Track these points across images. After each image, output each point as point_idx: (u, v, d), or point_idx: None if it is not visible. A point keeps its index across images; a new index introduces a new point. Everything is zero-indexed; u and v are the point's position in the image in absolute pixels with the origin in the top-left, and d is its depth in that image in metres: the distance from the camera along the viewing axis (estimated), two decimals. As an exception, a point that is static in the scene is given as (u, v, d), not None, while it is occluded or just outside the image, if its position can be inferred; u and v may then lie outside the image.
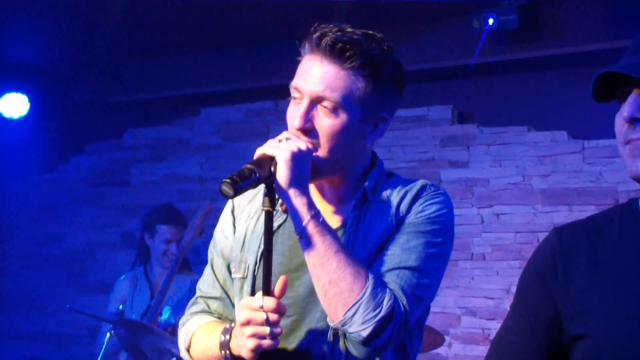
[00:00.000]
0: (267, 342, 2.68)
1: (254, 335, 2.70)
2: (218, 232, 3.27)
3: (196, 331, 3.12)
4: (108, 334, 6.22)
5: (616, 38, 6.93)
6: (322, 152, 2.91)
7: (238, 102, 8.44)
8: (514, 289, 6.93)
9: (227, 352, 2.88)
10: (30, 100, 8.85)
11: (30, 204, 9.63)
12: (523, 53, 7.38)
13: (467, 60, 7.44)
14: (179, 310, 6.74)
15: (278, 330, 2.68)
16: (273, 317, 2.67)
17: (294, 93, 2.93)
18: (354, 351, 2.82)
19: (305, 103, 2.87)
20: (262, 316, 2.67)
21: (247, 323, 2.71)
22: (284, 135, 2.87)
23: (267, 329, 2.67)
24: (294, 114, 2.89)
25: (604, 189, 7.05)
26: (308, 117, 2.87)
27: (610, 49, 6.87)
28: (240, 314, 2.75)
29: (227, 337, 2.89)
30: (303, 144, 2.82)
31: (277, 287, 2.74)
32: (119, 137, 9.33)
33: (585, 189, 7.15)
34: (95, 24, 7.72)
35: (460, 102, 7.89)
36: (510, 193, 7.49)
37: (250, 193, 3.10)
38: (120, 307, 6.59)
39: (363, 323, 2.72)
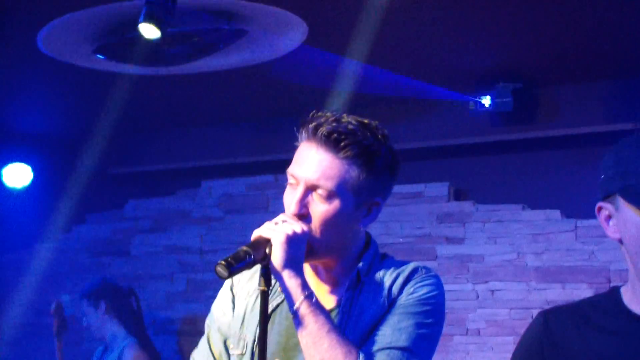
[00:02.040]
0: None
1: None
2: (216, 309, 3.30)
3: None
4: None
5: (609, 122, 7.11)
6: (316, 235, 2.93)
7: (239, 175, 8.52)
8: (507, 364, 7.09)
9: None
10: (33, 170, 8.91)
11: (31, 272, 9.52)
12: (518, 134, 7.52)
13: (463, 139, 7.67)
14: None
15: None
16: None
17: (290, 179, 2.98)
18: None
19: (300, 190, 2.93)
20: None
21: None
22: (280, 217, 2.92)
23: None
24: (290, 199, 2.95)
25: (596, 267, 7.11)
26: (303, 203, 2.92)
27: (604, 132, 7.07)
28: None
29: None
30: (298, 227, 2.86)
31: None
32: (120, 208, 9.41)
33: (578, 267, 7.23)
34: (100, 98, 7.78)
35: (457, 180, 7.98)
36: (505, 270, 7.58)
37: (250, 272, 3.14)
38: None
39: None
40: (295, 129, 3.04)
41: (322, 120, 2.96)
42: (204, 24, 6.36)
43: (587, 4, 5.87)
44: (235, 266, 2.72)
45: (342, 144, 2.90)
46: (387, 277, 3.06)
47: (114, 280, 7.75)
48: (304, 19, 6.15)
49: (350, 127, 2.94)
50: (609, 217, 2.63)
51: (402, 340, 2.91)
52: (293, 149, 3.09)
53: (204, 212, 8.94)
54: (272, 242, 2.82)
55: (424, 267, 3.11)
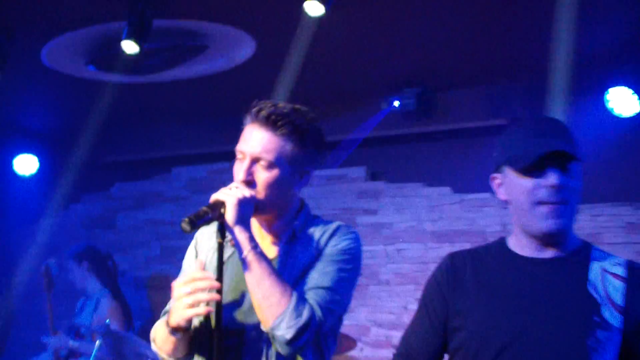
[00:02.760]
0: (189, 312, 2.81)
1: (181, 306, 2.80)
2: (185, 263, 3.31)
3: (158, 324, 3.11)
4: (98, 342, 6.17)
5: (488, 118, 7.21)
6: (261, 197, 2.96)
7: (202, 163, 8.52)
8: (410, 307, 7.35)
9: (168, 326, 2.92)
10: (39, 160, 8.99)
11: (37, 242, 9.40)
12: (419, 128, 7.58)
13: (377, 133, 7.68)
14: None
15: (216, 296, 2.77)
16: (201, 285, 2.79)
17: (238, 154, 3.03)
18: (280, 349, 2.88)
19: (247, 162, 2.97)
20: (190, 287, 2.79)
21: (177, 295, 2.82)
22: (233, 185, 2.95)
23: (197, 296, 2.78)
24: (239, 169, 2.99)
25: (475, 230, 7.25)
26: (249, 172, 2.96)
27: (484, 126, 7.22)
28: (174, 290, 2.85)
29: (166, 313, 3.00)
30: (247, 192, 2.90)
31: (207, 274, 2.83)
32: (108, 190, 9.35)
33: (463, 230, 7.37)
34: (91, 101, 7.74)
35: (372, 165, 8.00)
36: (408, 234, 7.66)
37: (209, 232, 3.20)
38: (107, 321, 6.73)
39: (287, 328, 2.80)
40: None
41: (263, 105, 3.02)
42: (174, 41, 6.41)
43: (469, 28, 6.06)
44: (197, 222, 2.77)
45: (279, 123, 2.98)
46: (316, 232, 3.12)
47: (95, 245, 7.76)
48: (252, 35, 6.25)
49: (285, 110, 3.03)
50: (499, 185, 2.85)
51: (327, 282, 2.97)
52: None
53: (174, 192, 8.90)
54: (226, 203, 2.86)
55: (346, 226, 3.19)
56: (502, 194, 2.83)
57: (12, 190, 9.41)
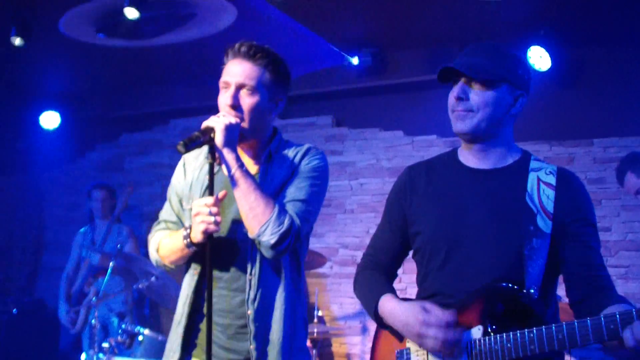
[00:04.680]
0: (212, 227, 2.78)
1: (202, 222, 2.78)
2: (174, 179, 3.26)
3: (163, 237, 3.13)
4: (111, 262, 6.14)
5: (432, 73, 7.27)
6: (245, 124, 2.95)
7: (195, 115, 8.32)
8: (371, 231, 7.43)
9: (188, 240, 2.90)
10: (61, 116, 8.99)
11: (60, 182, 9.67)
12: (375, 82, 7.57)
13: (341, 86, 7.70)
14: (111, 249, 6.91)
15: (218, 219, 2.78)
16: (213, 209, 2.78)
17: (223, 85, 2.99)
18: (265, 253, 2.89)
19: (232, 88, 2.95)
20: (207, 209, 2.78)
21: (197, 214, 2.81)
22: (221, 113, 2.93)
23: (211, 218, 2.77)
24: (226, 97, 2.96)
25: None
26: (236, 97, 2.94)
27: (429, 80, 7.17)
28: (193, 210, 2.84)
29: (188, 231, 2.91)
30: (233, 119, 2.88)
31: (219, 194, 2.85)
32: (117, 139, 9.38)
33: None
34: (101, 65, 7.87)
35: (337, 113, 8.02)
36: (368, 171, 7.70)
37: (195, 153, 3.15)
38: (119, 246, 6.79)
39: (271, 234, 2.82)
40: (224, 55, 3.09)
41: (242, 42, 3.02)
42: (167, 9, 6.39)
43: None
44: (190, 145, 2.76)
45: (257, 55, 2.98)
46: (290, 153, 3.13)
47: (111, 184, 7.74)
48: (233, 3, 6.26)
49: (261, 45, 3.03)
50: None
51: (302, 195, 3.00)
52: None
53: (171, 140, 8.80)
54: (215, 129, 2.84)
55: (315, 147, 3.20)
56: None
57: (39, 142, 9.44)
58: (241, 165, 2.89)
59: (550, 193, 2.63)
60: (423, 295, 2.79)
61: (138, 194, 9.01)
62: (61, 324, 7.37)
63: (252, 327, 2.95)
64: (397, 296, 2.77)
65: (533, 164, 2.74)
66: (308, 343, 6.22)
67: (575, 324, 2.28)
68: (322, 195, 3.14)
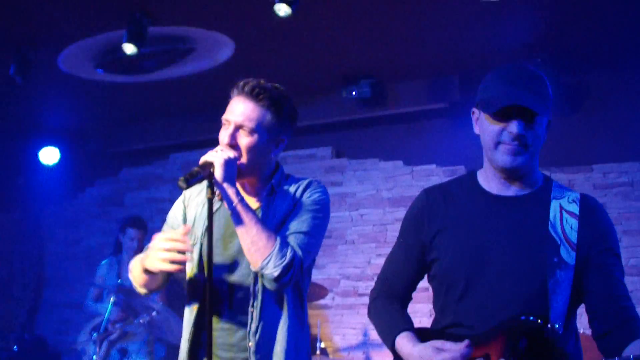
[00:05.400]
0: (166, 266, 2.76)
1: (159, 259, 2.75)
2: (171, 213, 3.27)
3: (134, 261, 3.08)
4: (112, 297, 6.19)
5: (432, 103, 7.27)
6: (243, 160, 2.94)
7: (195, 149, 8.42)
8: (372, 261, 7.38)
9: (142, 264, 2.89)
10: (60, 151, 8.98)
11: (60, 218, 9.66)
12: (374, 113, 7.58)
13: (340, 117, 7.72)
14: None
15: (185, 256, 2.77)
16: (176, 241, 2.74)
17: (224, 122, 2.99)
18: (268, 286, 2.90)
19: (231, 128, 2.94)
20: (168, 244, 2.73)
21: (156, 247, 2.78)
22: (218, 148, 2.92)
23: (171, 245, 2.73)
24: (224, 135, 2.95)
25: None
26: (234, 136, 2.94)
27: (428, 109, 7.32)
28: (154, 243, 2.79)
29: (144, 255, 2.91)
30: (232, 153, 2.88)
31: (184, 229, 2.81)
32: (117, 175, 9.38)
33: (414, 196, 7.12)
34: (101, 100, 7.91)
35: (337, 144, 8.05)
36: (368, 201, 7.71)
37: (197, 190, 3.16)
38: (120, 280, 6.62)
39: (274, 267, 2.83)
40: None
41: (247, 81, 3.00)
42: (166, 45, 6.44)
43: (414, 30, 6.13)
44: (191, 181, 2.76)
45: (260, 96, 2.96)
46: (292, 187, 3.12)
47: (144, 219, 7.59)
48: (231, 38, 6.30)
49: (266, 85, 2.99)
50: (477, 119, 2.70)
51: (304, 227, 2.99)
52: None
53: (172, 174, 8.79)
54: (215, 163, 2.84)
55: (316, 181, 3.19)
56: (476, 129, 2.72)
57: (38, 178, 9.46)
58: (241, 199, 2.90)
59: (574, 223, 2.57)
60: (442, 324, 2.73)
61: (138, 228, 9.00)
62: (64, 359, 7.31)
63: (253, 359, 2.94)
64: (413, 331, 2.71)
65: (555, 192, 2.67)
66: (311, 376, 6.20)
67: None
68: (323, 228, 3.13)
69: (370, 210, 7.70)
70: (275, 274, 2.84)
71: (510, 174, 2.64)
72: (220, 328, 3.02)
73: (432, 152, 7.37)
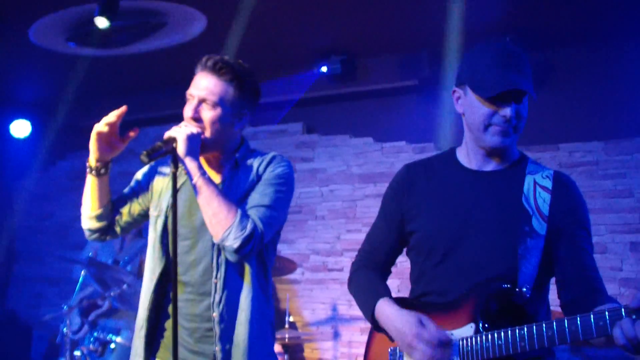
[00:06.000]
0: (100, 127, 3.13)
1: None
2: (137, 176, 3.48)
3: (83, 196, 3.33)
4: (83, 271, 6.25)
5: (401, 80, 7.29)
6: (207, 134, 3.02)
7: (166, 123, 8.23)
8: (342, 237, 7.43)
9: (88, 166, 3.27)
10: (32, 124, 8.96)
11: (31, 192, 9.60)
12: (344, 89, 7.60)
13: (311, 94, 7.69)
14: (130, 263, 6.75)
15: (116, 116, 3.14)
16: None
17: (188, 97, 3.07)
18: (229, 257, 2.98)
19: (195, 101, 3.03)
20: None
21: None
22: (182, 123, 3.02)
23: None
24: (188, 109, 3.05)
25: (394, 172, 6.95)
26: (197, 110, 3.02)
27: (398, 87, 7.35)
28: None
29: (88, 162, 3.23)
30: (195, 128, 2.96)
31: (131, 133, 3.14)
32: (88, 148, 9.37)
33: (384, 172, 7.40)
34: (72, 73, 7.79)
35: (308, 120, 8.05)
36: (339, 177, 7.72)
37: (167, 164, 3.20)
38: (90, 254, 6.71)
39: (234, 239, 2.89)
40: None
41: (210, 56, 3.08)
42: (138, 18, 6.43)
43: (383, 6, 6.15)
44: (152, 155, 2.88)
45: (223, 70, 3.04)
46: (255, 161, 3.18)
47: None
48: (203, 12, 6.30)
49: (229, 61, 3.08)
50: (458, 98, 2.74)
51: (266, 201, 3.06)
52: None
53: (143, 148, 8.50)
54: (177, 138, 2.93)
55: (280, 155, 3.24)
56: (459, 107, 2.76)
57: (9, 151, 9.40)
58: (203, 173, 2.97)
59: (546, 196, 2.65)
60: (417, 292, 2.82)
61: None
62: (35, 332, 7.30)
63: (217, 329, 3.03)
64: (392, 299, 2.79)
65: (530, 167, 2.75)
66: (279, 348, 6.26)
67: (565, 321, 2.29)
68: (287, 202, 3.19)
69: (341, 186, 7.73)
70: (235, 245, 2.91)
71: (494, 153, 2.72)
72: (184, 299, 3.10)
73: (401, 128, 7.41)
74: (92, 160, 3.19)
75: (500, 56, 2.61)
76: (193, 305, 3.10)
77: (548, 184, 2.69)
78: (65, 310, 5.93)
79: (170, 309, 3.05)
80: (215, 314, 3.04)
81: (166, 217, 3.15)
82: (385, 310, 2.74)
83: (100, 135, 3.12)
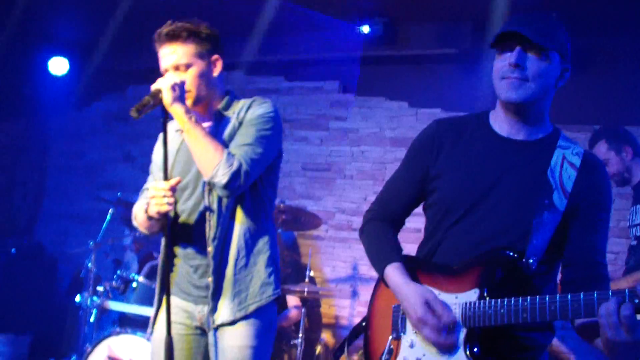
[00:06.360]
0: (164, 208, 3.13)
1: (156, 204, 3.14)
2: (154, 154, 3.75)
3: (138, 207, 3.48)
4: (111, 210, 6.41)
5: (441, 47, 7.25)
6: (193, 92, 3.31)
7: None
8: (369, 198, 7.47)
9: (147, 214, 3.28)
10: (70, 63, 8.96)
11: (66, 130, 9.73)
12: (385, 52, 7.52)
13: (350, 53, 7.68)
14: None
15: (171, 200, 3.12)
16: (168, 194, 3.12)
17: (164, 72, 3.33)
18: (220, 193, 3.23)
19: (172, 72, 3.30)
20: (161, 193, 3.12)
21: (152, 197, 3.15)
22: (166, 74, 3.28)
23: (164, 201, 3.12)
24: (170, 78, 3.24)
25: None
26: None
27: (437, 54, 7.31)
28: (150, 192, 3.18)
29: (146, 205, 3.29)
30: (177, 78, 3.21)
31: (173, 181, 3.16)
32: (124, 91, 9.42)
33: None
34: (110, 13, 7.85)
35: (343, 79, 8.00)
36: (371, 139, 7.74)
37: (174, 127, 3.49)
38: (119, 194, 6.86)
39: (222, 175, 3.12)
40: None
41: (160, 30, 3.32)
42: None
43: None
44: (142, 109, 3.10)
45: (176, 34, 3.30)
46: (237, 107, 3.44)
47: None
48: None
49: (179, 23, 3.32)
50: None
51: (248, 140, 3.28)
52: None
53: None
54: (162, 89, 3.15)
55: (261, 97, 3.47)
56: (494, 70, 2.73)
57: (47, 87, 9.45)
58: (190, 117, 3.17)
59: (572, 173, 2.63)
60: (425, 250, 2.84)
61: (142, 145, 9.09)
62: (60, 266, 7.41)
63: (211, 262, 3.32)
64: (402, 261, 2.80)
65: (562, 142, 2.72)
66: (297, 301, 6.34)
67: (569, 297, 2.29)
68: (271, 139, 3.37)
69: (372, 147, 7.75)
70: (224, 181, 3.13)
71: (514, 111, 2.68)
72: (188, 241, 3.40)
73: (438, 96, 7.40)
74: (154, 216, 3.27)
75: (520, 14, 2.64)
76: (194, 245, 3.38)
77: (577, 161, 2.66)
78: (91, 246, 6.02)
79: (176, 250, 3.44)
80: (210, 249, 3.31)
81: (170, 171, 3.42)
82: (393, 278, 2.76)
83: (163, 213, 3.21)
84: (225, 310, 3.31)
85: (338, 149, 7.85)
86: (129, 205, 6.20)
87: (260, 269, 3.38)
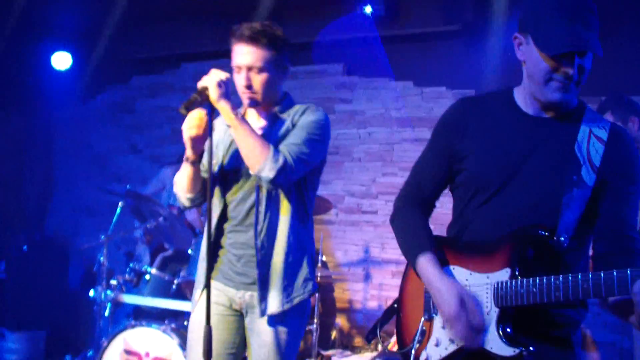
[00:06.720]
0: (194, 132, 3.31)
1: (189, 127, 3.33)
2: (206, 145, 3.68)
3: (177, 175, 3.60)
4: (120, 202, 6.28)
5: (445, 24, 7.20)
6: (260, 97, 3.44)
7: (206, 59, 8.04)
8: (377, 180, 7.42)
9: (186, 162, 3.43)
10: (72, 57, 8.95)
11: (71, 123, 9.73)
12: (387, 31, 7.48)
13: (353, 34, 7.62)
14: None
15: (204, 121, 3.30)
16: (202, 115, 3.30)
17: (235, 68, 3.42)
18: (265, 187, 3.36)
19: (244, 71, 3.39)
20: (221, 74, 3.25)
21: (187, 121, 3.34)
22: (212, 71, 3.30)
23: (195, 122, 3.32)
24: (240, 78, 3.40)
25: (433, 117, 7.02)
26: (248, 77, 3.39)
27: (441, 31, 7.26)
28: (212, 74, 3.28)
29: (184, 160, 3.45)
30: (223, 75, 3.27)
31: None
32: (128, 81, 9.42)
33: (422, 117, 7.41)
34: (112, 5, 7.90)
35: (348, 62, 8.01)
36: (377, 120, 7.74)
37: (221, 123, 3.60)
38: (128, 186, 6.86)
39: (270, 170, 3.25)
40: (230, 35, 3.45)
41: (243, 27, 3.40)
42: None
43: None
44: (190, 107, 3.19)
45: (258, 37, 3.37)
46: (293, 111, 3.57)
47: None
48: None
49: (260, 27, 3.40)
50: (519, 45, 2.64)
51: (297, 140, 3.42)
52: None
53: (182, 84, 8.87)
54: (209, 86, 3.23)
55: (315, 105, 3.60)
56: (520, 55, 2.67)
57: (50, 82, 9.45)
58: (237, 113, 3.28)
59: (600, 147, 2.59)
60: (455, 229, 2.84)
61: (148, 136, 9.09)
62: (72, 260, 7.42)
63: (258, 256, 3.45)
64: (434, 247, 2.77)
65: (587, 116, 2.67)
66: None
67: (602, 275, 2.25)
68: (320, 144, 3.51)
69: (378, 129, 7.74)
70: (271, 175, 3.26)
71: (552, 107, 2.65)
72: (233, 230, 3.56)
73: (443, 74, 7.36)
74: (189, 153, 3.43)
75: (567, 5, 2.51)
76: (240, 235, 3.52)
77: (604, 135, 2.62)
78: (102, 239, 6.01)
79: (223, 240, 3.59)
80: (258, 243, 3.44)
81: (221, 164, 3.57)
82: (426, 270, 2.72)
83: (193, 136, 3.37)
84: (273, 301, 3.46)
85: (345, 132, 7.83)
86: (138, 198, 6.22)
87: (303, 265, 3.55)
